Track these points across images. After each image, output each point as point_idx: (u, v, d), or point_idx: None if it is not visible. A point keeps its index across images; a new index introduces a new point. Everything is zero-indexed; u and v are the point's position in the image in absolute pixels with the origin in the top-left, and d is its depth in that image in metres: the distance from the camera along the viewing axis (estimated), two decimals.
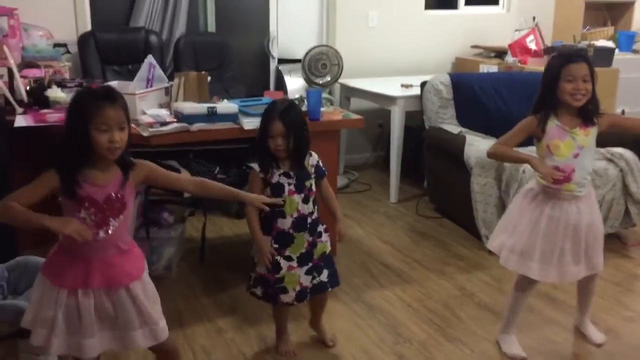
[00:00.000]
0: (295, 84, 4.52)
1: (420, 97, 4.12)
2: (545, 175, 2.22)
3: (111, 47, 4.07)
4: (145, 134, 2.67)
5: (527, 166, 3.40)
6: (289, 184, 2.24)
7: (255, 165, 2.25)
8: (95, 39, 4.03)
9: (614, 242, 3.57)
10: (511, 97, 4.06)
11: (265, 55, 4.85)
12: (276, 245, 2.26)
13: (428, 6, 5.21)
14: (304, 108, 3.20)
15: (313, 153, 2.34)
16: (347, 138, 4.84)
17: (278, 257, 2.26)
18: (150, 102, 2.96)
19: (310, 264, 2.30)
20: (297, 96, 3.57)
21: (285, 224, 2.25)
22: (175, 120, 2.79)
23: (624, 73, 4.86)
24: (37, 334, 1.79)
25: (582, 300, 2.59)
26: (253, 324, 2.68)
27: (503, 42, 5.11)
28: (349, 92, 4.67)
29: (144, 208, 2.85)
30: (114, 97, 1.72)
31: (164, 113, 2.87)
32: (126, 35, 4.19)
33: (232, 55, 4.46)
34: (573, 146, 2.26)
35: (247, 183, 2.29)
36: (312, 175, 2.31)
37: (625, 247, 3.56)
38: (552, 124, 2.27)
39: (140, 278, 1.83)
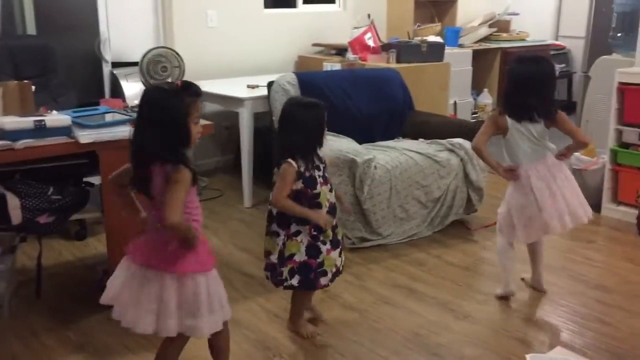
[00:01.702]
0: (133, 89, 4.21)
1: (267, 98, 4.04)
2: None
3: None
4: None
5: (378, 162, 3.47)
6: (319, 177, 2.38)
7: (292, 160, 2.31)
8: None
9: (460, 228, 3.76)
10: (357, 94, 4.11)
11: (96, 59, 4.46)
12: (315, 233, 2.39)
13: (267, 5, 5.14)
14: None
15: None
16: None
17: (318, 243, 2.39)
18: None
19: (340, 247, 2.49)
20: (135, 102, 3.30)
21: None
22: None
23: (453, 66, 5.17)
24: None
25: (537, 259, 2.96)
26: (105, 358, 2.42)
27: (343, 39, 5.20)
28: None
29: None
30: (199, 92, 1.88)
31: None
32: None
33: (58, 59, 4.00)
34: None
35: (279, 177, 2.33)
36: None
37: (470, 232, 3.74)
38: None
39: None
